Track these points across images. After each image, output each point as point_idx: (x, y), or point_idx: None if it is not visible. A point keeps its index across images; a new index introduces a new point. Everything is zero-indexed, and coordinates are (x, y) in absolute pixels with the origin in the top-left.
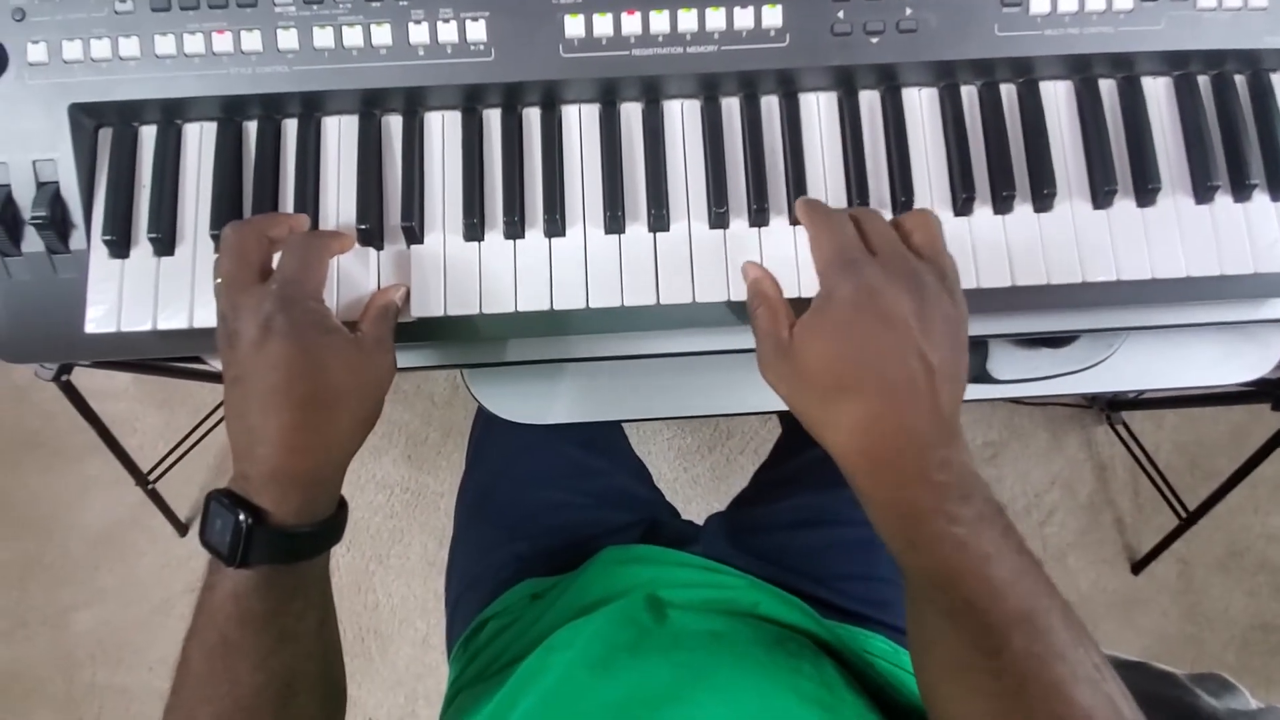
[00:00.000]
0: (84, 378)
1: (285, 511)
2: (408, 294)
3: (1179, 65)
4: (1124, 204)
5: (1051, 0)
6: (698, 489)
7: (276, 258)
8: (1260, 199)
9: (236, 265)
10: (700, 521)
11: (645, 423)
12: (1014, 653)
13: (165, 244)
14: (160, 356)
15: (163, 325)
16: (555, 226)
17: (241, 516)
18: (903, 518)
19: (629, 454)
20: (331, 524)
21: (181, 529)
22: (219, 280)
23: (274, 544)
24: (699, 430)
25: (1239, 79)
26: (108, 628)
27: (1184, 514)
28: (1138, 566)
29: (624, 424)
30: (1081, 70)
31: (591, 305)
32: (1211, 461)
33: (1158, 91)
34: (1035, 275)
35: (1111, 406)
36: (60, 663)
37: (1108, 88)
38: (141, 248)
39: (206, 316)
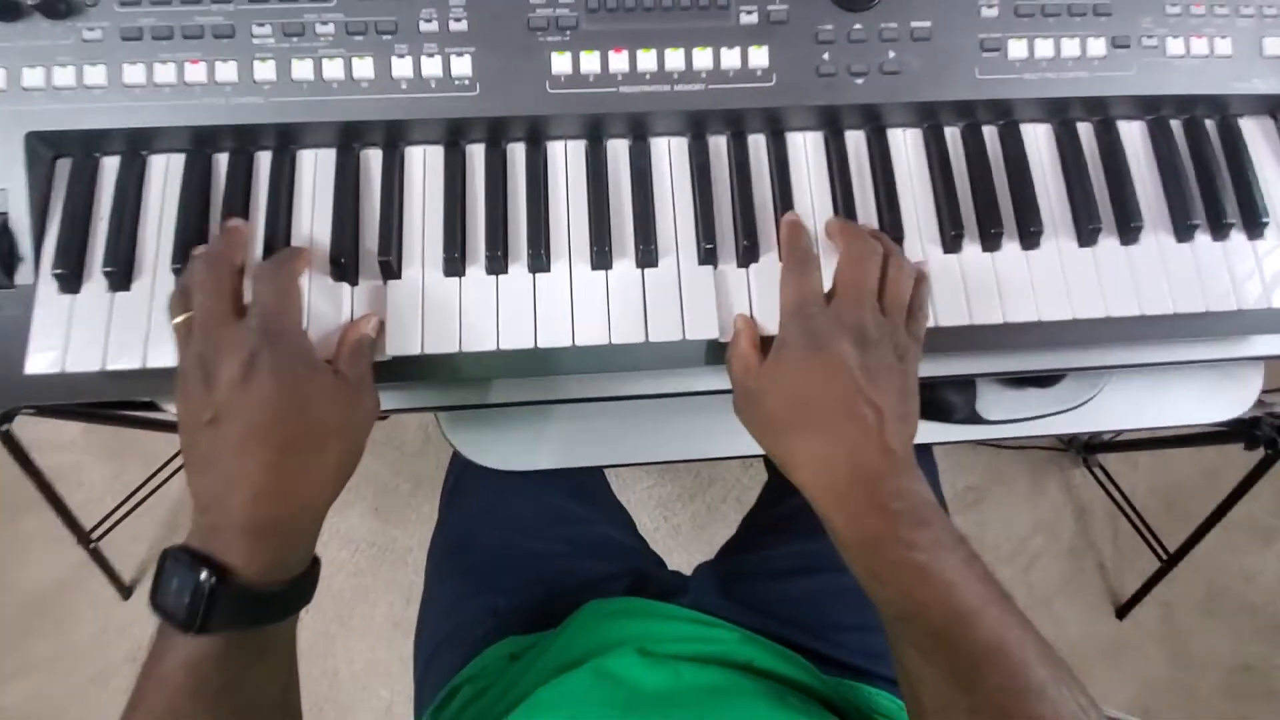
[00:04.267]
0: (29, 427)
1: (256, 568)
2: (381, 325)
3: (1151, 110)
4: (1108, 242)
5: (1029, 45)
6: (679, 539)
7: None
8: (1237, 238)
9: (214, 300)
10: (687, 572)
11: (624, 470)
12: (989, 688)
13: (121, 278)
14: (107, 400)
15: (113, 365)
16: (540, 262)
17: (204, 575)
18: (863, 546)
19: (612, 501)
20: (304, 582)
21: (125, 591)
22: (180, 319)
23: (239, 606)
24: (679, 478)
25: (1209, 123)
26: (39, 700)
27: (1165, 556)
28: (1122, 611)
29: (604, 471)
30: (1059, 113)
31: (578, 343)
32: (1186, 503)
33: (1133, 135)
34: (1025, 312)
35: (1088, 449)
36: None
37: (1085, 130)
38: (95, 282)
39: (161, 356)
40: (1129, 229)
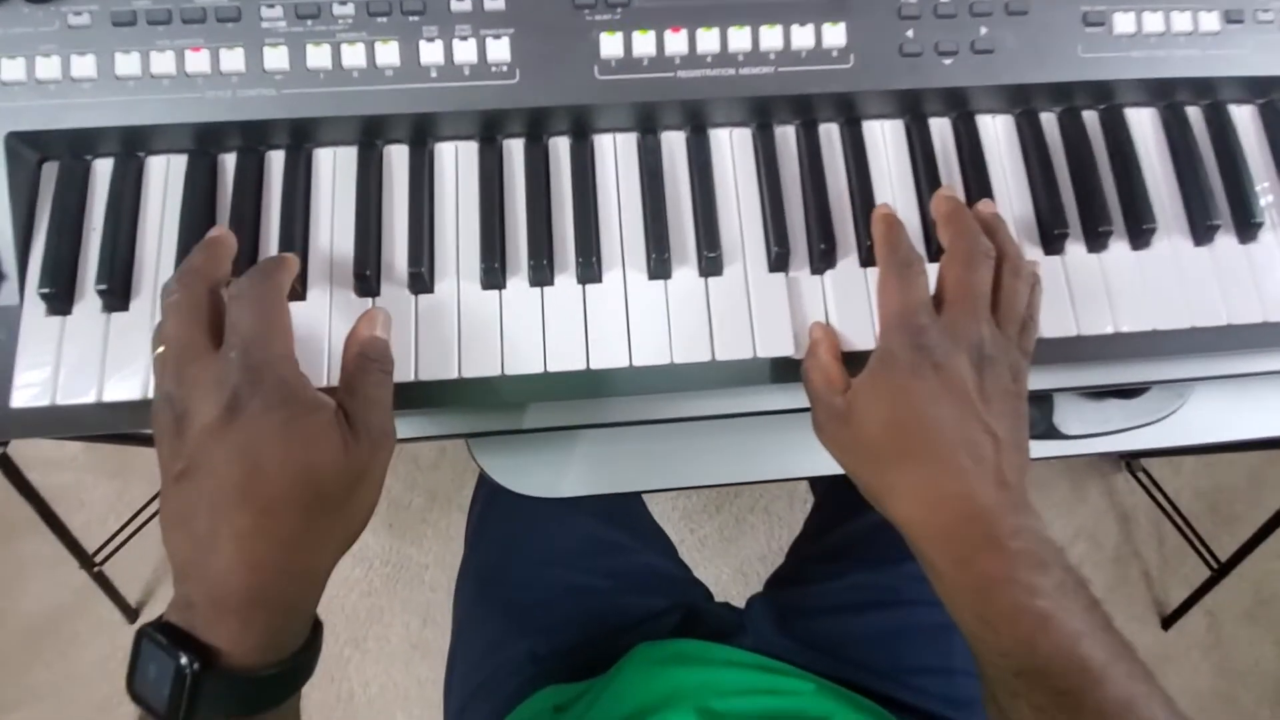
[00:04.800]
0: (27, 446)
1: (245, 649)
2: (388, 321)
3: (1262, 93)
4: (1225, 240)
5: (1136, 20)
6: (706, 552)
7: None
8: None
9: (186, 328)
10: (721, 592)
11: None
12: None
13: (117, 297)
14: (105, 433)
15: (110, 396)
16: (590, 271)
17: (184, 660)
18: (975, 591)
19: (651, 525)
20: (304, 656)
21: (131, 614)
22: (160, 350)
23: (229, 694)
24: (704, 489)
25: None
26: None
27: (1215, 565)
28: (1168, 621)
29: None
30: (1166, 96)
31: (635, 363)
32: (1230, 507)
33: (1244, 120)
34: (1139, 320)
35: (1131, 453)
36: None
37: (1194, 115)
38: (87, 302)
39: None
40: (1248, 225)
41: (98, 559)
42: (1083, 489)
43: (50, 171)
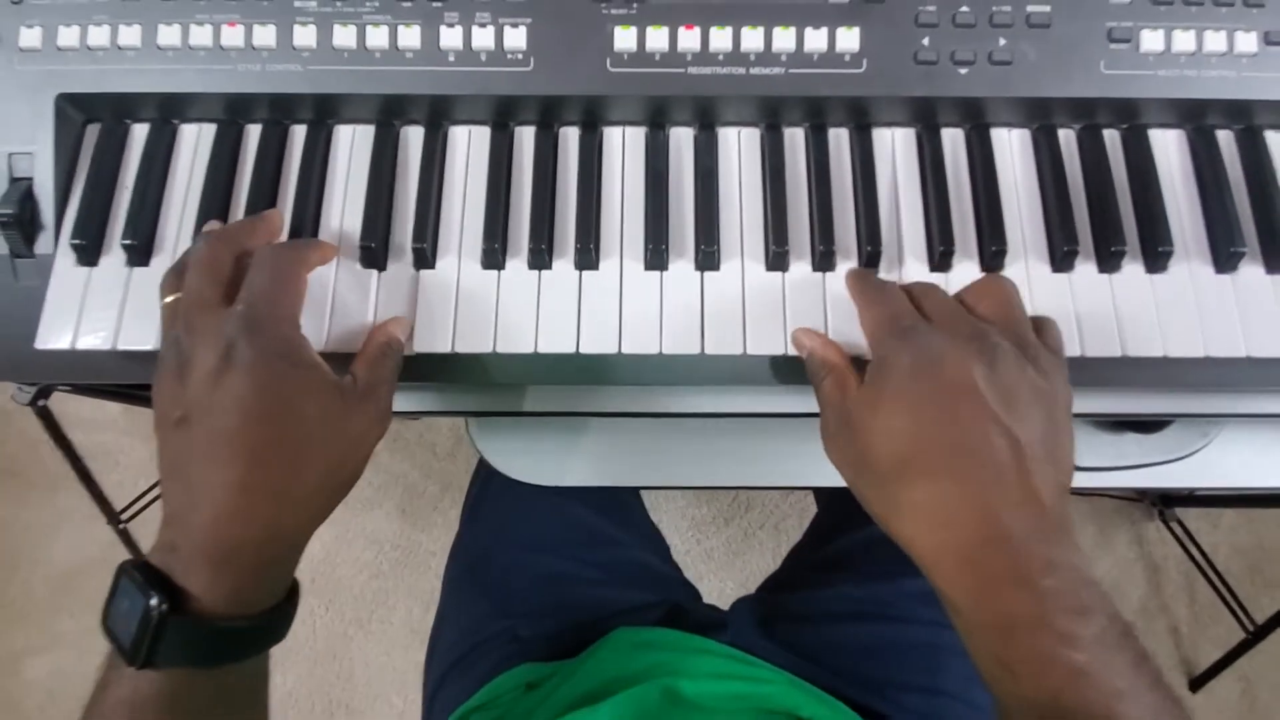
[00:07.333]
0: (71, 404)
1: (215, 597)
2: (412, 330)
3: None
4: (1251, 270)
5: (1165, 37)
6: (711, 564)
7: None
8: None
9: (204, 281)
10: (723, 605)
11: (662, 489)
12: None
13: (140, 253)
14: (120, 383)
15: (124, 345)
16: (588, 258)
17: (153, 601)
18: (998, 633)
19: (646, 523)
20: (275, 617)
21: None
22: (169, 299)
23: (193, 641)
24: (715, 500)
25: None
26: (61, 677)
27: (1251, 628)
28: (1196, 683)
29: (639, 489)
30: (1196, 118)
31: (624, 351)
32: (1274, 568)
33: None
34: (1149, 346)
35: (1165, 502)
36: (8, 713)
37: (1224, 139)
38: (113, 256)
39: None
40: (1277, 254)
41: (123, 517)
42: (1110, 536)
43: (92, 134)
